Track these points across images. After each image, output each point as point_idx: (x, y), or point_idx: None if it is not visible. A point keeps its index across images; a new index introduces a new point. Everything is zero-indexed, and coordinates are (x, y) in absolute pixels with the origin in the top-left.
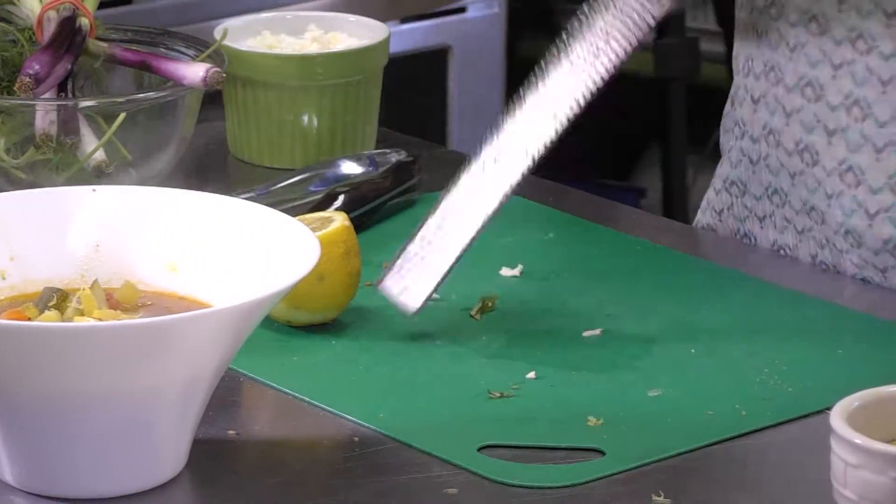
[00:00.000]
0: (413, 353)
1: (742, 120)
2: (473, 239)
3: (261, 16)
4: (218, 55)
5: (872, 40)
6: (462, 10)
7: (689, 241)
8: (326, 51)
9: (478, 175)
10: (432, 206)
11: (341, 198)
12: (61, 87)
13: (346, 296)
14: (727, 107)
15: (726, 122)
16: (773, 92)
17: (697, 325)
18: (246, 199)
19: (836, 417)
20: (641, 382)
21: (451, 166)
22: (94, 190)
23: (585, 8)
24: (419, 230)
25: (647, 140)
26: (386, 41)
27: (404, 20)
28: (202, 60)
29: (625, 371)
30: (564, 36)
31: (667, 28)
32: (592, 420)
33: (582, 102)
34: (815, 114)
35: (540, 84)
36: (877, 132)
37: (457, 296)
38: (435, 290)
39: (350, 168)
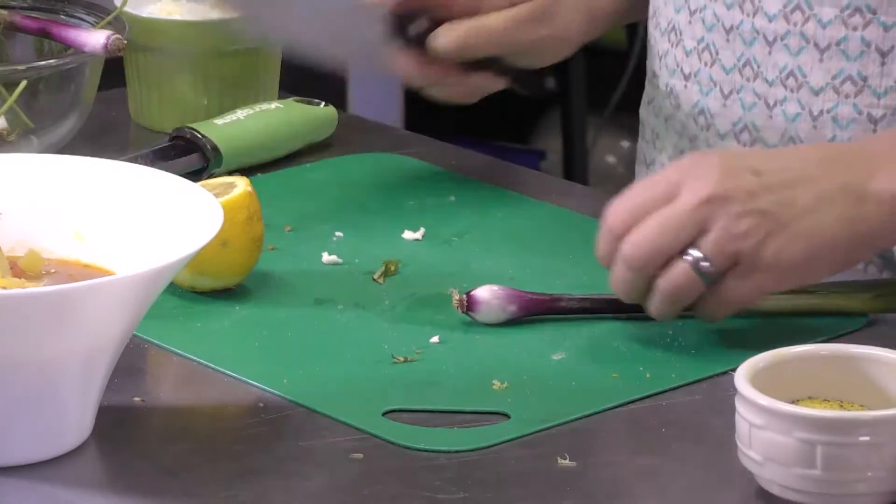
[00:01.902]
0: (317, 318)
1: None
2: None
3: None
4: (118, 22)
5: None
6: None
7: (590, 203)
8: (227, 16)
9: None
10: None
11: None
12: None
13: (250, 261)
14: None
15: None
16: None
17: (600, 288)
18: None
19: (741, 378)
20: (545, 346)
21: (351, 130)
22: None
23: None
24: None
25: (546, 102)
26: None
27: None
28: (103, 27)
29: (528, 334)
30: None
31: None
32: (497, 384)
33: None
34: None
35: None
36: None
37: (360, 259)
38: None
39: None
